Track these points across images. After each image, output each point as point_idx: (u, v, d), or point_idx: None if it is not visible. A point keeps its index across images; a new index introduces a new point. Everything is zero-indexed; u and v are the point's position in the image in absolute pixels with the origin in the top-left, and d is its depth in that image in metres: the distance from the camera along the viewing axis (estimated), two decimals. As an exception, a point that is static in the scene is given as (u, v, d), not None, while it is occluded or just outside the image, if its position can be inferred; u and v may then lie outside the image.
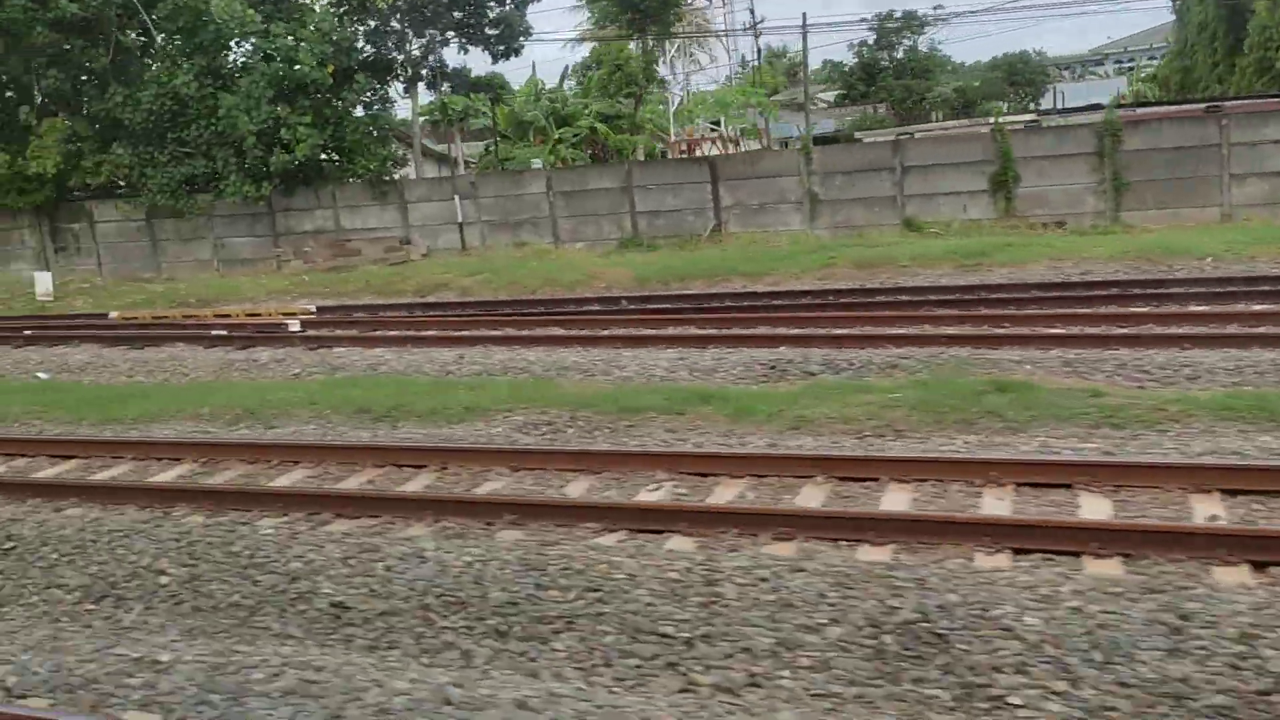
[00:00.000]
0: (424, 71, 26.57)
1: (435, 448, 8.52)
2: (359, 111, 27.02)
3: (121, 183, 30.09)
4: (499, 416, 9.52)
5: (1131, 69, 69.97)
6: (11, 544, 7.24)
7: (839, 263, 18.86)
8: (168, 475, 8.73)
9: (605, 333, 13.79)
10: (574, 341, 13.39)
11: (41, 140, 27.71)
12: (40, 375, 15.22)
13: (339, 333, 16.09)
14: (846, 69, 69.19)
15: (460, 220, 25.52)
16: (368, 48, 26.53)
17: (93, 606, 6.39)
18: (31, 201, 28.67)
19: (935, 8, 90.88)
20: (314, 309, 18.38)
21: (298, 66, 24.54)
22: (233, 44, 26.81)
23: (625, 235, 24.29)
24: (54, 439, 10.22)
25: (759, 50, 55.55)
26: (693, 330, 13.65)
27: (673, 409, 9.15)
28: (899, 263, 18.37)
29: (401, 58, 26.68)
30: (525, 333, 14.56)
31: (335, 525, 7.09)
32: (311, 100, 25.50)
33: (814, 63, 59.02)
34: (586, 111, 33.64)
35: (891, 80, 68.66)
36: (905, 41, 71.64)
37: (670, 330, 13.73)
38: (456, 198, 25.44)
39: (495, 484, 7.69)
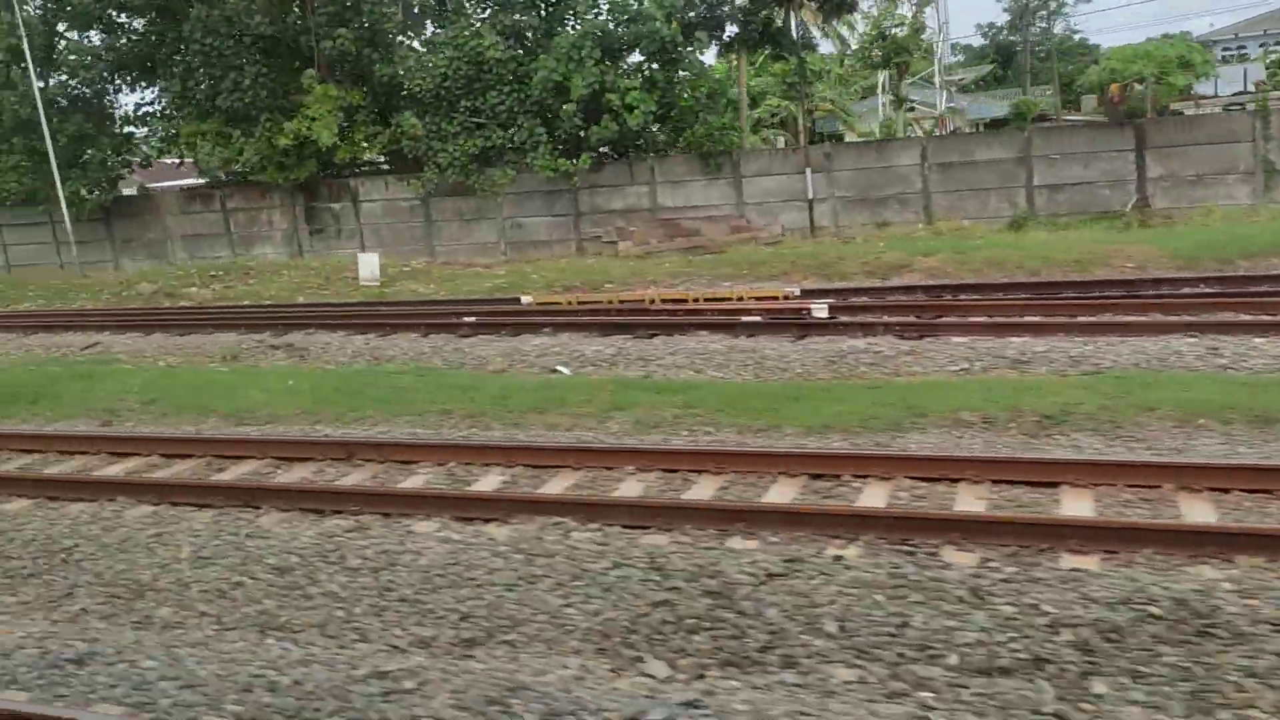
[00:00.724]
0: (754, 30, 23.70)
1: None
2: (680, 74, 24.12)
3: (383, 158, 27.46)
4: None
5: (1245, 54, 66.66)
6: None
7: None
8: None
9: None
10: None
11: (311, 109, 25.10)
12: (561, 370, 12.53)
13: (886, 319, 13.28)
14: (979, 50, 66.25)
15: (811, 196, 22.68)
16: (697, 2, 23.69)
17: None
18: (293, 177, 26.07)
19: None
20: (797, 292, 15.58)
21: (645, 23, 21.74)
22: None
23: (1019, 211, 21.38)
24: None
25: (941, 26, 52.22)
26: None
27: None
28: None
29: (728, 11, 23.81)
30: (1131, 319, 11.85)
31: None
32: (649, 61, 22.72)
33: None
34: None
35: (1038, 63, 65.63)
36: (1039, 24, 68.67)
37: None
38: (808, 171, 22.58)
39: None
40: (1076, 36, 70.35)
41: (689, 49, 22.69)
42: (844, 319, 13.55)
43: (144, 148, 27.88)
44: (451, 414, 10.49)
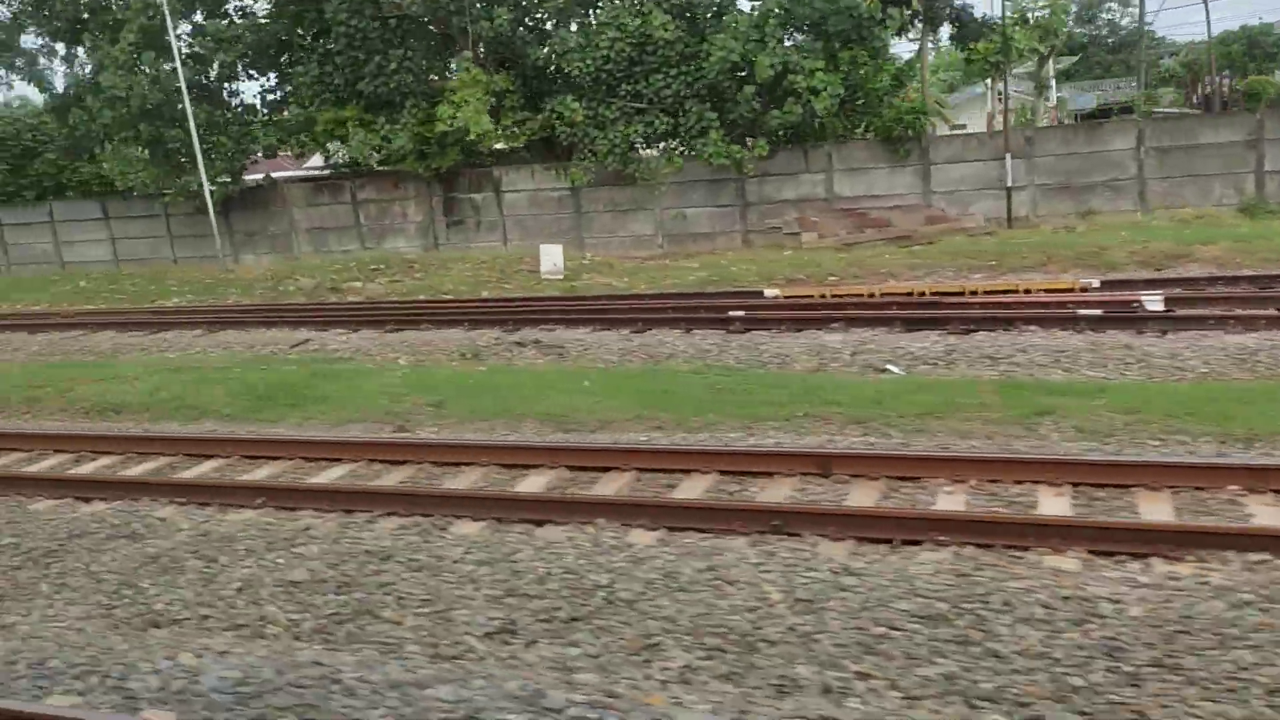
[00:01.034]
0: (943, 8, 22.28)
1: None
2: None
3: (524, 147, 26.13)
4: None
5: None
6: None
7: None
8: None
9: None
10: None
11: (458, 95, 23.78)
12: (891, 369, 11.16)
13: (1242, 312, 11.86)
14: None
15: (1010, 184, 21.24)
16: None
17: None
18: (436, 166, 24.77)
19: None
20: (1096, 284, 14.16)
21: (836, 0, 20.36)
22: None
23: (1246, 199, 19.91)
24: None
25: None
26: None
27: None
28: None
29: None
30: None
31: None
32: (834, 40, 21.31)
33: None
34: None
35: (1106, 55, 63.96)
36: (1108, 15, 67.04)
37: None
38: (1008, 157, 21.14)
39: None
40: (1148, 27, 68.70)
41: (884, 28, 21.25)
42: (1186, 312, 12.14)
43: (271, 136, 26.57)
44: (823, 418, 9.12)
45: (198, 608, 6.00)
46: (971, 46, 22.24)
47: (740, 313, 14.09)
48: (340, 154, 27.63)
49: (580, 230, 24.96)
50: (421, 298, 19.53)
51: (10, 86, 33.07)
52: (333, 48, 24.32)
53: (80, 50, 27.12)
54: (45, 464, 9.64)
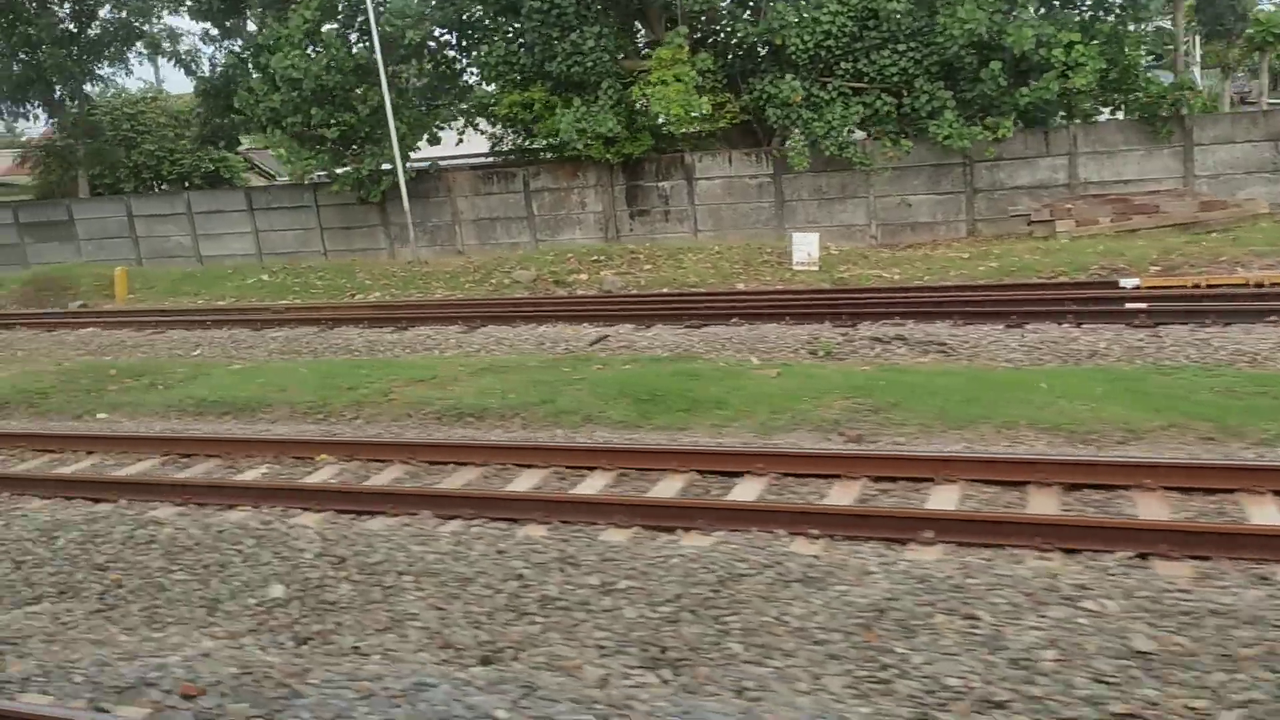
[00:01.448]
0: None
1: None
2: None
3: (720, 131, 24.40)
4: None
5: None
6: None
7: None
8: None
9: None
10: None
11: (656, 75, 22.16)
12: None
13: None
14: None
15: (1290, 167, 19.44)
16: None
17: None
18: (627, 152, 23.12)
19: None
20: None
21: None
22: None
23: None
24: None
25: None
26: None
27: None
28: None
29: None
30: None
31: None
32: (1093, 9, 19.54)
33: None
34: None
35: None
36: None
37: None
38: (1290, 137, 19.34)
39: None
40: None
41: (1151, -2, 19.51)
42: None
43: (447, 119, 25.02)
44: None
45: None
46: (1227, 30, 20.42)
47: (1141, 305, 12.37)
48: (513, 139, 26.01)
49: (781, 220, 23.26)
50: (665, 290, 17.91)
51: (130, 72, 30.66)
52: (521, 25, 22.73)
53: (238, 29, 25.66)
54: (529, 482, 8.15)
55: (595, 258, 20.62)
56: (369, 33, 23.37)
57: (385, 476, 8.57)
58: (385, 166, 24.51)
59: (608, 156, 23.21)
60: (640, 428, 9.79)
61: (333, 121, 23.61)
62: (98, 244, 29.91)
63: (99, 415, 11.94)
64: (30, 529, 7.68)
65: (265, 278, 22.58)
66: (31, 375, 13.68)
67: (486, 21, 23.68)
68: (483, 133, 26.29)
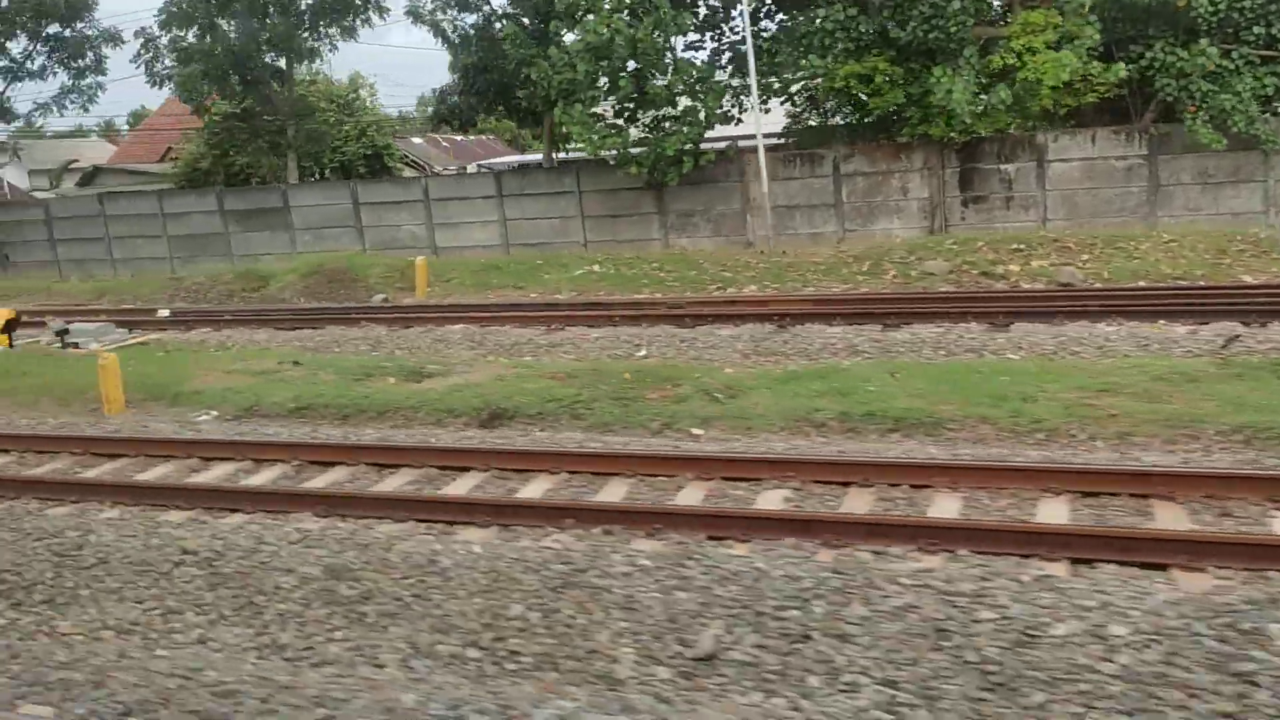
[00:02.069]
0: None
1: None
2: None
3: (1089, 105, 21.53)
4: None
5: None
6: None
7: None
8: None
9: None
10: None
11: (1018, 41, 19.53)
12: None
13: None
14: None
15: None
16: None
17: None
18: (976, 130, 20.44)
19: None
20: None
21: None
22: None
23: None
24: None
25: None
26: None
27: None
28: None
29: None
30: None
31: None
32: None
33: None
34: None
35: None
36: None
37: None
38: None
39: None
40: None
41: None
42: None
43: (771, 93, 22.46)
44: None
45: None
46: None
47: None
48: (818, 117, 23.43)
49: (1153, 206, 20.53)
50: (1155, 284, 15.20)
51: (320, 58, 28.48)
52: (863, -14, 20.16)
53: None
54: None
55: (1015, 246, 17.92)
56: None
57: None
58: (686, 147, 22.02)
59: (952, 135, 20.58)
60: None
61: (646, 91, 21.11)
62: (315, 233, 27.64)
63: (693, 431, 9.42)
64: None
65: (595, 268, 20.07)
66: (522, 379, 11.18)
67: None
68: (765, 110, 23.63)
